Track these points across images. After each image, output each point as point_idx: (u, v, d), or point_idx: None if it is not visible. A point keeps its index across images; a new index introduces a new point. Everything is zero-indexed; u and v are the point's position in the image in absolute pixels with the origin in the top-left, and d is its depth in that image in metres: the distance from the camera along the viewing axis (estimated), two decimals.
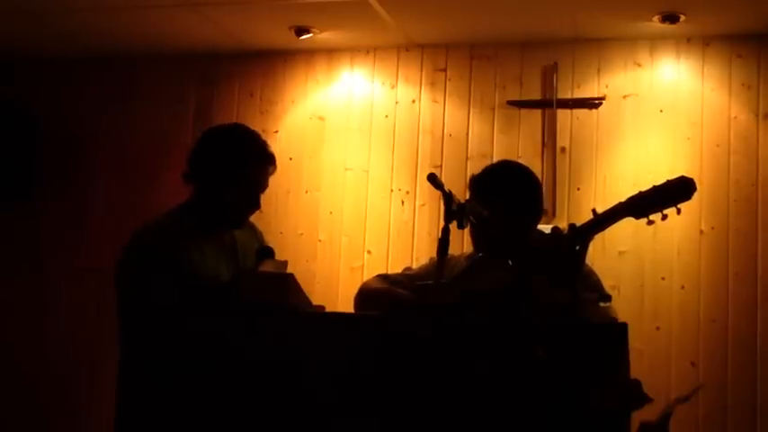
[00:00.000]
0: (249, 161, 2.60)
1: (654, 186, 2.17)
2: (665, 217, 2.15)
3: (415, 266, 3.00)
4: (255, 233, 2.80)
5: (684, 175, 2.18)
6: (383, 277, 2.69)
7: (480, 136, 4.39)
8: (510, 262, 2.44)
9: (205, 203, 2.61)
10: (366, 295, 2.59)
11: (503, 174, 2.64)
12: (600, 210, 2.21)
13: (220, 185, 2.58)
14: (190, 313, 2.39)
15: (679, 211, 2.15)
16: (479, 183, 2.59)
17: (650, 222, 2.17)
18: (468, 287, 2.37)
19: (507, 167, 2.71)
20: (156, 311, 2.41)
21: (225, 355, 2.37)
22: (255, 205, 2.64)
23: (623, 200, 2.21)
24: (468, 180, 2.67)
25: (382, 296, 2.52)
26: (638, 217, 2.18)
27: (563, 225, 2.28)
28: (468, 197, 2.59)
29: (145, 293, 2.43)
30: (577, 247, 2.20)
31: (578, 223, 2.24)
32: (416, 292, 2.45)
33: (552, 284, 2.21)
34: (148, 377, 2.45)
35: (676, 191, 2.15)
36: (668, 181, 2.17)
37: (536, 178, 2.65)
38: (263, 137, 2.69)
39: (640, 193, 2.18)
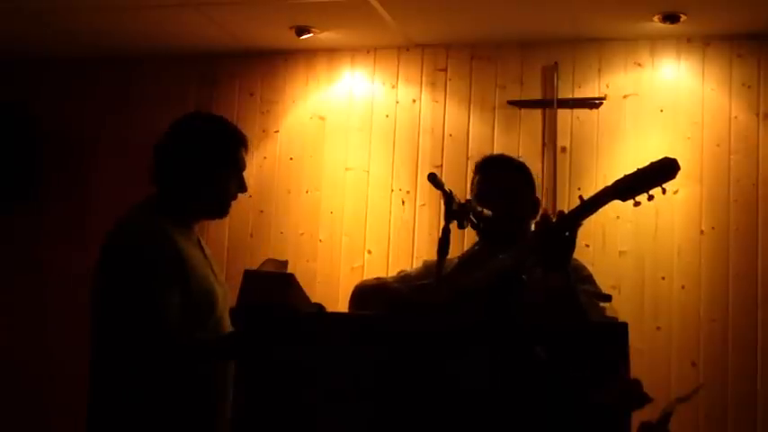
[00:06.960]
0: (235, 145, 2.50)
1: (638, 169, 2.21)
2: (651, 197, 2.19)
3: (410, 269, 3.00)
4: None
5: (667, 156, 2.21)
6: (378, 279, 2.68)
7: (480, 136, 4.39)
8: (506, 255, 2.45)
9: (187, 197, 2.49)
10: (362, 292, 2.58)
11: (504, 160, 2.68)
12: (586, 196, 2.25)
13: (209, 174, 2.47)
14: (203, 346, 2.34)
15: (664, 191, 2.19)
16: (487, 165, 2.61)
17: (637, 204, 2.20)
18: (453, 285, 2.37)
19: (505, 157, 2.74)
20: (166, 338, 2.26)
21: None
22: (245, 188, 2.54)
23: (609, 184, 2.24)
24: (470, 176, 2.66)
25: (378, 292, 2.52)
26: (624, 199, 2.21)
27: None
28: (468, 195, 2.59)
29: (156, 313, 2.27)
30: (567, 233, 2.23)
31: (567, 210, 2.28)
32: (413, 291, 2.46)
33: (545, 269, 2.24)
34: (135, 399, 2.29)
35: (660, 171, 2.19)
36: (652, 162, 2.21)
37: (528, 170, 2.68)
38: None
39: (625, 176, 2.22)
